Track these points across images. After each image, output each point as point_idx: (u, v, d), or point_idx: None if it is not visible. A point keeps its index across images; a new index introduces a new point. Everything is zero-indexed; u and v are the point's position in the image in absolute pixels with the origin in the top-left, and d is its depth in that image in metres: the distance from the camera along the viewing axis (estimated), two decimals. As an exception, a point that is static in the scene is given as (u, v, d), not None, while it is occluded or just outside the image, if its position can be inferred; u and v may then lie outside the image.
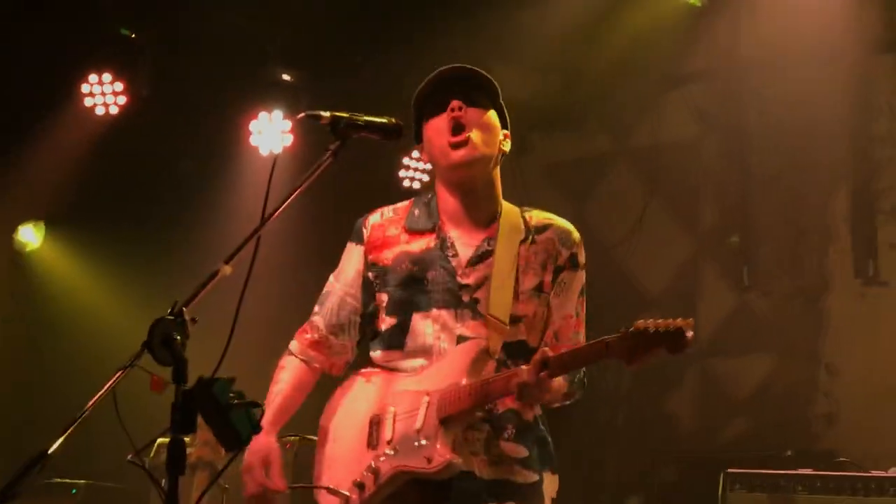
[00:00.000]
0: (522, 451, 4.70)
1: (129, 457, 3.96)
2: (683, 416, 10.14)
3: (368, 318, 4.92)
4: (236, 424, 3.75)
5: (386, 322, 4.81)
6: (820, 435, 9.57)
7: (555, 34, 9.47)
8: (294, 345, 5.01)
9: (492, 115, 4.79)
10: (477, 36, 8.60)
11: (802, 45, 9.44)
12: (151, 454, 4.55)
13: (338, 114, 4.40)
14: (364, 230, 4.96)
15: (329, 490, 4.79)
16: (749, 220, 9.97)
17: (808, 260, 9.84)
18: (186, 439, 3.74)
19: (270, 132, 10.20)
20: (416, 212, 4.91)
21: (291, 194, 4.24)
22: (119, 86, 10.19)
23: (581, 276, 4.82)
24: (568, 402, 4.81)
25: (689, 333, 4.04)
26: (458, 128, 4.70)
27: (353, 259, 4.98)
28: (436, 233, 4.82)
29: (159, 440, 3.88)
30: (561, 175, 10.34)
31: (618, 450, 10.22)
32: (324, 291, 5.03)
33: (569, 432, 5.00)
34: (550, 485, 4.80)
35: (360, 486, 4.70)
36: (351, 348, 4.98)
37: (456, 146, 4.70)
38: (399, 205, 5.02)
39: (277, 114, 10.20)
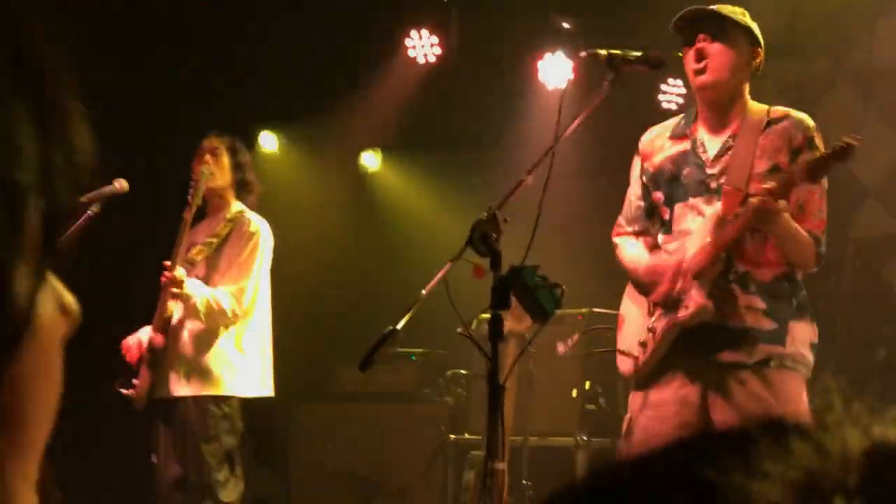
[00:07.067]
0: (762, 304, 4.59)
1: (458, 329, 4.00)
2: (897, 283, 9.86)
3: (653, 211, 4.93)
4: (542, 301, 3.76)
5: (665, 213, 4.82)
6: None
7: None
8: (614, 238, 5.05)
9: (734, 44, 4.71)
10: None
11: None
12: (474, 326, 4.56)
13: (613, 51, 4.39)
14: (640, 145, 5.00)
15: (621, 352, 4.83)
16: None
17: None
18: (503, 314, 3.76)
19: (555, 70, 10.13)
20: (682, 122, 4.92)
21: (576, 118, 4.23)
22: (435, 39, 10.24)
23: None
24: (810, 269, 4.73)
25: (854, 142, 4.47)
26: (700, 58, 4.69)
27: (634, 168, 5.03)
28: (689, 136, 4.82)
29: (481, 315, 3.91)
30: (791, 93, 10.04)
31: (846, 311, 9.97)
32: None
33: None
34: (802, 332, 4.68)
35: (643, 344, 4.73)
36: (649, 230, 4.98)
37: (698, 73, 4.71)
38: (669, 120, 5.04)
39: (560, 55, 10.11)
